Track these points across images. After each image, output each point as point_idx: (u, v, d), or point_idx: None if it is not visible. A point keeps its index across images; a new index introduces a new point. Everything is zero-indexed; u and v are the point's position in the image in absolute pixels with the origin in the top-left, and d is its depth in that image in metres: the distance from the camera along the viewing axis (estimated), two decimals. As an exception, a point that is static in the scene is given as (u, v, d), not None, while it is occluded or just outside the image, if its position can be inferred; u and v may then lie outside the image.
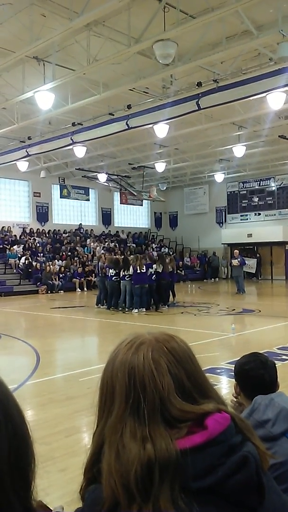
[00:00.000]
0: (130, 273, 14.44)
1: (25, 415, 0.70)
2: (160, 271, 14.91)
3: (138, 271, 14.33)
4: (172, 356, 1.00)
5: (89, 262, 25.50)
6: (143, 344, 1.01)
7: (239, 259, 19.52)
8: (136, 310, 14.27)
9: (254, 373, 2.24)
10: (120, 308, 14.97)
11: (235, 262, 19.61)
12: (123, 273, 14.81)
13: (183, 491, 0.87)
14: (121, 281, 14.87)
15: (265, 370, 2.25)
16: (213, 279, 29.12)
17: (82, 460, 1.04)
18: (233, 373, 2.38)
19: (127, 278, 14.70)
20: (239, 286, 19.47)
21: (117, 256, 18.39)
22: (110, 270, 15.21)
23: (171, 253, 29.23)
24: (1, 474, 0.59)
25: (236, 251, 20.63)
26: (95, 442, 1.01)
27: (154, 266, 14.83)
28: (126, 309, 14.72)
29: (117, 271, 15.01)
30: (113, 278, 15.05)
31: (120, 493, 0.88)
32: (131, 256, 17.05)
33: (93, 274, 22.19)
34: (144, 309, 14.39)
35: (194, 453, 0.89)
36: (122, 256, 18.09)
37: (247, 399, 2.23)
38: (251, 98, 12.60)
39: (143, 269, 14.39)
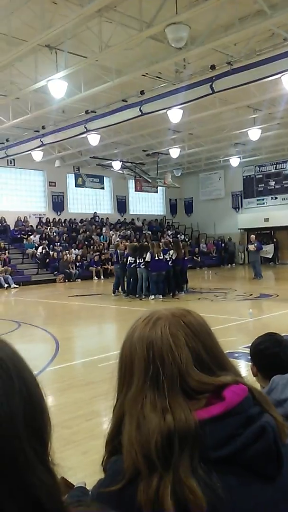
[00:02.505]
0: (147, 259, 14.40)
1: (38, 382, 0.73)
2: (174, 258, 14.94)
3: (156, 258, 14.36)
4: (189, 329, 1.01)
5: (105, 251, 25.59)
6: (160, 319, 1.03)
7: (255, 244, 19.34)
8: (153, 297, 14.31)
9: (270, 352, 2.24)
10: (137, 295, 15.02)
11: (251, 247, 19.42)
12: (139, 260, 14.84)
13: (203, 461, 0.89)
14: (137, 269, 14.90)
15: (281, 348, 2.25)
16: (229, 264, 28.99)
17: (103, 443, 1.07)
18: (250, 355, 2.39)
19: (142, 265, 14.73)
20: (256, 271, 19.35)
21: (136, 243, 18.38)
22: (129, 257, 15.21)
23: (186, 239, 29.17)
24: (17, 432, 0.62)
25: (253, 236, 20.44)
26: (115, 415, 1.04)
27: (170, 252, 14.85)
28: (143, 296, 14.77)
29: (135, 258, 15.05)
30: (132, 265, 15.07)
31: (141, 462, 0.90)
32: (146, 243, 17.03)
33: (110, 262, 22.27)
34: (161, 296, 14.42)
35: (212, 424, 0.91)
36: (139, 244, 18.09)
37: (264, 379, 2.24)
38: (265, 79, 12.44)
39: (161, 256, 14.43)
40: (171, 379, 0.96)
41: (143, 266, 14.70)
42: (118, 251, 16.15)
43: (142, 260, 14.75)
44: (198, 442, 0.89)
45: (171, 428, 0.90)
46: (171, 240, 17.80)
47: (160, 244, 15.92)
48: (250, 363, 2.41)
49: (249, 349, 2.44)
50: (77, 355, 8.31)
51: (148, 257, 14.40)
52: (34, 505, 0.62)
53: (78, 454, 3.88)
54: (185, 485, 0.85)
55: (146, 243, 16.62)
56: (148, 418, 0.93)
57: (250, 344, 2.42)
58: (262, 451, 0.92)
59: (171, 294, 14.84)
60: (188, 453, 0.89)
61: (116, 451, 0.99)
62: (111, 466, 0.98)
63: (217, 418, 0.92)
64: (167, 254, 14.75)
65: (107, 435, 1.05)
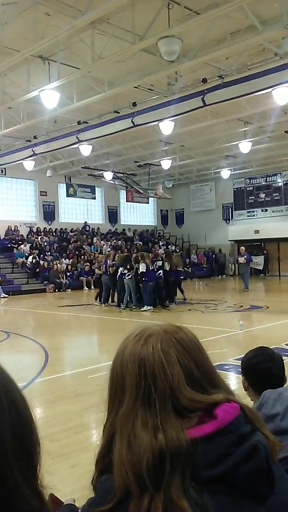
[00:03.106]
0: (142, 270, 14.31)
1: (28, 403, 0.72)
2: (168, 269, 14.98)
3: (151, 268, 14.40)
4: (181, 346, 1.01)
5: (95, 261, 25.53)
6: (152, 335, 1.02)
7: (245, 256, 19.42)
8: (148, 308, 14.22)
9: (262, 367, 2.24)
10: (127, 306, 14.97)
11: (241, 259, 19.48)
12: (125, 271, 14.81)
13: (194, 480, 0.88)
14: (124, 279, 14.86)
15: (272, 363, 2.25)
16: (220, 276, 29.06)
17: (92, 457, 1.05)
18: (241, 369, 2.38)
19: (128, 276, 14.70)
20: (244, 283, 19.39)
21: (128, 254, 18.38)
22: (120, 267, 15.17)
23: (177, 250, 29.22)
24: (5, 454, 0.61)
25: (243, 248, 20.49)
26: (106, 433, 1.02)
27: (158, 262, 14.86)
28: (134, 307, 14.74)
29: (128, 268, 15.05)
30: (123, 276, 15.01)
31: (131, 482, 0.89)
32: (135, 254, 17.03)
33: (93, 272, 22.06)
34: (152, 307, 14.38)
35: (204, 443, 0.90)
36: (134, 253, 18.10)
37: (255, 393, 2.23)
38: (256, 93, 12.56)
39: (153, 267, 14.50)
40: (163, 397, 0.95)
41: (130, 277, 14.68)
42: (108, 262, 16.11)
43: (132, 271, 14.74)
44: (190, 461, 0.88)
45: (163, 447, 0.89)
46: (163, 251, 17.79)
47: (149, 255, 15.94)
48: (240, 376, 2.40)
49: (239, 362, 2.43)
50: (66, 366, 8.24)
51: (142, 267, 14.33)
52: None
53: (66, 467, 3.83)
54: (177, 505, 0.84)
55: (138, 253, 16.57)
56: (139, 437, 0.92)
57: (240, 356, 2.41)
58: (253, 470, 0.91)
59: (161, 305, 14.82)
60: (179, 472, 0.88)
61: (107, 469, 0.98)
62: (102, 485, 0.97)
63: (209, 437, 0.91)
64: (154, 265, 14.80)
65: (97, 453, 1.04)
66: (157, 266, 14.85)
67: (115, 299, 15.78)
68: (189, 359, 1.00)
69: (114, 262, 15.80)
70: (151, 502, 0.86)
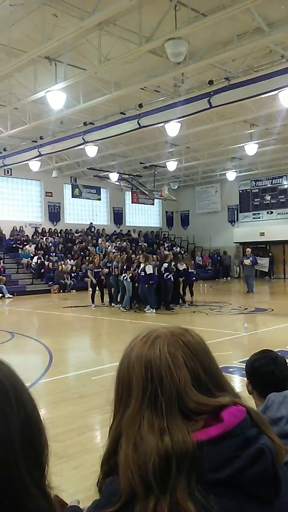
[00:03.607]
0: (149, 271, 14.21)
1: (37, 404, 0.72)
2: (182, 270, 15.18)
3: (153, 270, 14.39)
4: (188, 349, 1.00)
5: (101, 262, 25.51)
6: (159, 338, 1.02)
7: (251, 259, 19.33)
8: (150, 310, 14.19)
9: (265, 370, 2.24)
10: (131, 308, 14.95)
11: (247, 261, 19.34)
12: (125, 274, 14.82)
13: (200, 483, 0.88)
14: (125, 281, 14.86)
15: (276, 366, 2.24)
16: (225, 278, 29.02)
17: (96, 458, 1.05)
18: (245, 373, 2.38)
19: (125, 278, 14.71)
20: (249, 286, 19.25)
21: (133, 255, 18.42)
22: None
23: (182, 252, 29.20)
24: (15, 456, 0.61)
25: (248, 250, 20.39)
26: (112, 435, 1.02)
27: (165, 264, 14.79)
28: (136, 308, 14.74)
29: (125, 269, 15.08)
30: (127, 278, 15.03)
31: (137, 484, 0.88)
32: (139, 255, 17.02)
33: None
34: (154, 310, 14.32)
35: (210, 446, 0.90)
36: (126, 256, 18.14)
37: (260, 397, 2.23)
38: (263, 95, 12.55)
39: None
40: (169, 400, 0.94)
41: (126, 279, 14.68)
42: (114, 263, 16.09)
43: (128, 272, 14.73)
44: (196, 464, 0.88)
45: (169, 449, 0.88)
46: (171, 253, 17.72)
47: (154, 256, 15.96)
48: (244, 378, 2.40)
49: (244, 364, 2.43)
50: (70, 367, 8.24)
51: (149, 269, 14.22)
52: None
53: (70, 468, 3.83)
54: (182, 508, 0.84)
55: (142, 254, 16.54)
56: (145, 439, 0.91)
57: (245, 359, 2.41)
58: (259, 474, 0.91)
59: (166, 307, 14.73)
60: (185, 475, 0.87)
61: (112, 471, 0.98)
62: (107, 487, 0.96)
63: (215, 440, 0.90)
64: (161, 267, 14.74)
65: (103, 455, 1.03)
66: (164, 268, 14.73)
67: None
68: (195, 362, 0.99)
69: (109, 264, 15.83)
70: (156, 504, 0.86)
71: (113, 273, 15.88)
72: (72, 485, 3.47)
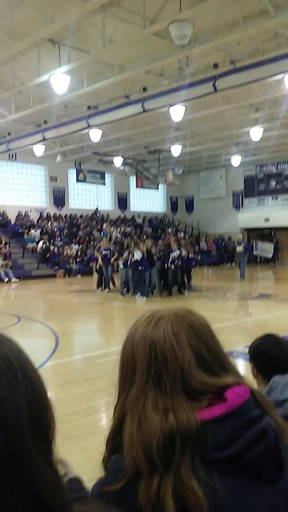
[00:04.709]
0: (137, 258, 13.66)
1: (43, 381, 0.74)
2: (186, 256, 14.81)
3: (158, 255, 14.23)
4: (191, 330, 1.01)
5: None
6: (163, 318, 1.03)
7: (243, 245, 19.00)
8: (140, 298, 13.69)
9: (270, 353, 2.24)
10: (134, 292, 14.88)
11: (239, 248, 18.97)
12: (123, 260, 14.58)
13: (204, 462, 0.89)
14: (120, 268, 14.68)
15: (281, 349, 2.25)
16: (229, 264, 28.95)
17: (102, 439, 1.07)
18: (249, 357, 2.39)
19: (121, 265, 14.52)
20: (241, 272, 18.82)
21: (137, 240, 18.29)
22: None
23: (187, 237, 29.17)
24: (22, 429, 0.63)
25: (240, 236, 20.06)
26: (116, 414, 1.04)
27: (182, 251, 14.54)
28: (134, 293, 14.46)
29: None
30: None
31: (142, 462, 0.90)
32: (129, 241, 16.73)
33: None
34: (144, 298, 13.77)
35: (214, 425, 0.91)
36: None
37: (264, 380, 2.24)
38: (268, 79, 12.40)
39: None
40: (173, 379, 0.96)
41: (121, 266, 14.47)
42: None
43: (121, 258, 14.58)
44: (200, 442, 0.89)
45: (173, 428, 0.90)
46: (178, 238, 17.47)
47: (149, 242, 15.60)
48: (248, 363, 2.41)
49: (248, 349, 2.44)
50: (76, 350, 8.32)
51: (138, 255, 13.64)
52: (37, 502, 0.63)
53: (76, 449, 3.89)
54: (186, 486, 0.86)
55: (132, 240, 16.29)
56: (149, 418, 0.93)
57: (249, 344, 2.42)
58: (263, 453, 0.92)
59: (167, 292, 14.58)
60: (189, 453, 0.89)
61: (117, 449, 0.99)
62: (112, 465, 0.98)
63: (219, 419, 0.92)
64: (174, 253, 14.36)
65: (108, 433, 1.05)
66: (176, 255, 14.25)
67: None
68: (199, 343, 1.00)
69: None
70: (160, 482, 0.87)
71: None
72: (79, 465, 3.52)
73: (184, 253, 14.97)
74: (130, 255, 14.15)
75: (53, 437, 0.71)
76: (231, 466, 0.91)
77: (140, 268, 13.69)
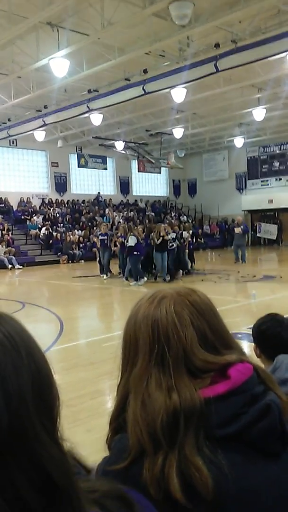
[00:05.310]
0: (131, 244, 13.52)
1: (47, 359, 0.74)
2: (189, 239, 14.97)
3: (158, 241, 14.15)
4: (194, 308, 1.01)
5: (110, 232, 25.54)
6: (165, 298, 1.03)
7: (242, 227, 18.56)
8: (135, 283, 13.61)
9: (271, 332, 2.26)
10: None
11: (237, 229, 18.47)
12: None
13: (208, 439, 0.89)
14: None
15: (282, 328, 2.27)
16: (233, 246, 28.90)
17: (106, 421, 1.07)
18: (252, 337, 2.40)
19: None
20: (237, 255, 18.40)
21: (143, 225, 18.28)
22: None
23: (190, 220, 29.07)
24: (26, 406, 0.63)
25: (240, 218, 19.73)
26: (120, 393, 1.04)
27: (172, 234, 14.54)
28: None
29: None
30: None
31: (146, 441, 0.90)
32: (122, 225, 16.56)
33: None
34: (138, 282, 13.66)
35: (217, 402, 0.91)
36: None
37: (268, 359, 2.25)
38: (271, 58, 12.23)
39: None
40: (176, 358, 0.95)
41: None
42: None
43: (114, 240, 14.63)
44: (203, 420, 0.90)
45: (177, 406, 0.90)
46: (167, 223, 17.40)
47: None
48: (253, 344, 2.42)
49: (251, 331, 2.45)
50: (81, 335, 8.37)
51: (132, 241, 13.44)
52: (44, 478, 0.63)
53: (82, 432, 3.93)
54: (191, 463, 0.86)
55: (126, 224, 16.22)
56: (153, 397, 0.93)
57: (253, 325, 2.43)
58: (267, 429, 0.92)
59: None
60: (193, 431, 0.89)
61: (121, 428, 1.00)
62: (116, 444, 0.99)
63: (222, 397, 0.92)
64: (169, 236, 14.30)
65: (112, 413, 1.06)
66: (171, 238, 14.20)
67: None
68: (202, 321, 1.00)
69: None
70: (165, 460, 0.88)
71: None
72: (85, 448, 3.56)
73: (186, 235, 14.92)
74: (125, 241, 14.01)
75: (58, 415, 0.71)
76: (235, 443, 0.91)
77: (135, 253, 13.55)
